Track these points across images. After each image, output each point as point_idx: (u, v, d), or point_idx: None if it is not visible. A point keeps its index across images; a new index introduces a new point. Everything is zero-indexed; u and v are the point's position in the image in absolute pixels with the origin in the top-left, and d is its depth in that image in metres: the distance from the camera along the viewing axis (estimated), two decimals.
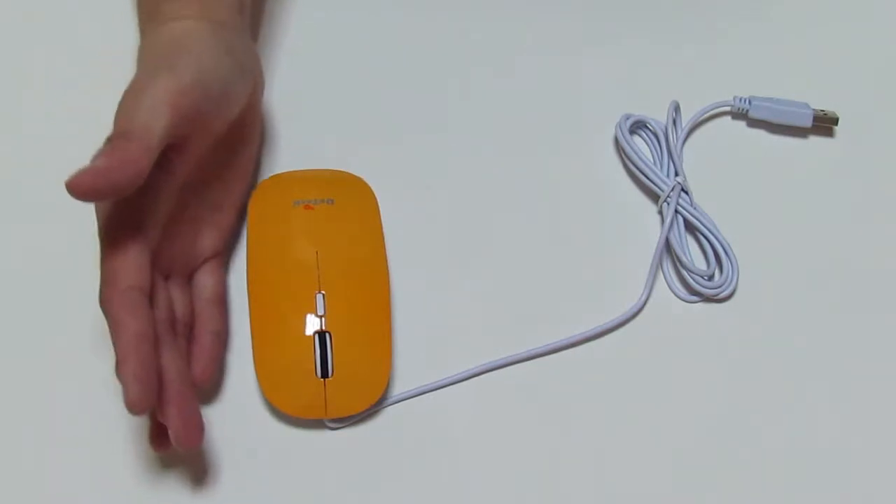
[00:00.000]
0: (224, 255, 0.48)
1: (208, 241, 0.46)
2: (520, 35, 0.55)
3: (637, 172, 0.50)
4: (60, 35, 0.54)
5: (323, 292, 0.44)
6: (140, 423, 0.44)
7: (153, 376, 0.39)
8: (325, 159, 0.50)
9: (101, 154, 0.39)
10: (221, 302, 0.46)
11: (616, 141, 0.52)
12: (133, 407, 0.38)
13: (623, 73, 0.54)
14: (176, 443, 0.40)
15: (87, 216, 0.42)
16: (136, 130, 0.40)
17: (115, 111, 0.41)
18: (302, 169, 0.50)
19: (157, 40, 0.45)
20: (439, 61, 0.54)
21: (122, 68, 0.45)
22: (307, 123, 0.52)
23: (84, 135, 0.42)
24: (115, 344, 0.39)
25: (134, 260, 0.40)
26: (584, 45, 0.54)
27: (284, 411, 0.44)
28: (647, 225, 0.50)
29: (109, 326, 0.39)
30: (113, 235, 0.41)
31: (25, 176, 0.50)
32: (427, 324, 0.47)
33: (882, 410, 0.46)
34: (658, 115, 0.52)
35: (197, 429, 0.40)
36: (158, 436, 0.42)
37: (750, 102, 0.52)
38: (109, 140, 0.40)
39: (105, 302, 0.40)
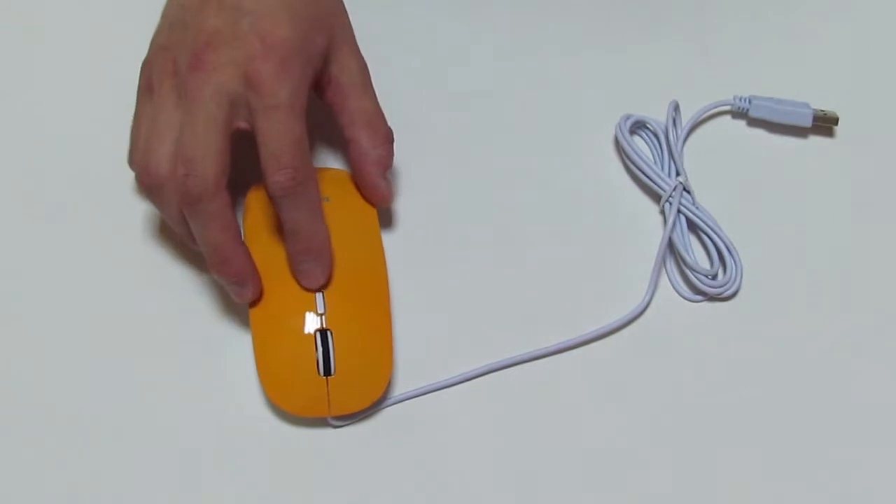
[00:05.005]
0: None
1: None
2: (519, 35, 0.54)
3: (638, 173, 0.50)
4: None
5: (321, 290, 0.44)
6: (136, 423, 0.44)
7: None
8: (322, 158, 0.50)
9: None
10: None
11: (616, 141, 0.51)
12: None
13: (623, 73, 0.53)
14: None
15: None
16: None
17: None
18: None
19: None
20: (438, 61, 0.53)
21: None
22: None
23: None
24: None
25: None
26: (584, 45, 0.54)
27: (287, 410, 0.44)
28: (648, 225, 0.50)
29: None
30: None
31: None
32: (429, 325, 0.47)
33: (887, 409, 0.46)
34: (658, 115, 0.51)
35: None
36: None
37: (750, 102, 0.52)
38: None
39: None
